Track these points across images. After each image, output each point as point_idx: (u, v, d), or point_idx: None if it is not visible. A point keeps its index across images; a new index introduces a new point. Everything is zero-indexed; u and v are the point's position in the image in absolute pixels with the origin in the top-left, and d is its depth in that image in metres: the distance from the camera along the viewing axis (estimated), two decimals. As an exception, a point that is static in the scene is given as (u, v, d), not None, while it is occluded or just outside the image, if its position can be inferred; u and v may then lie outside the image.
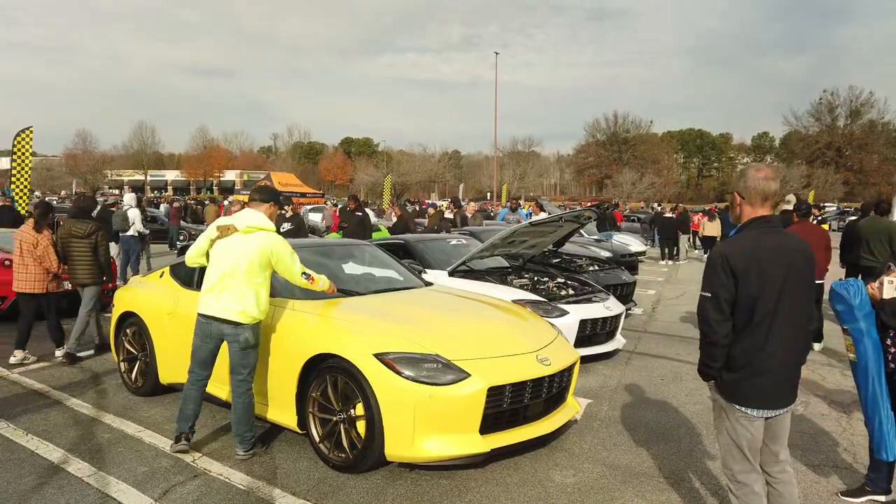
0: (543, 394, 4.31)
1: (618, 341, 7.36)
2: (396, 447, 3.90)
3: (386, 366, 3.93)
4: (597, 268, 9.65)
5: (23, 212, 19.72)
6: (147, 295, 5.72)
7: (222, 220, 4.44)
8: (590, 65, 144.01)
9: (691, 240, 24.45)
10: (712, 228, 19.15)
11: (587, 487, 3.97)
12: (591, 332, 6.89)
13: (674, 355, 7.47)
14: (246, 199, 9.40)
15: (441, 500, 3.78)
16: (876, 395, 3.47)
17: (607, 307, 7.19)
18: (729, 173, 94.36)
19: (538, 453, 4.45)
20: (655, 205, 39.08)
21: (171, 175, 77.75)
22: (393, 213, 13.20)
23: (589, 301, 7.26)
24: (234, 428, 4.36)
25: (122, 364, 5.84)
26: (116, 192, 53.00)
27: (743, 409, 2.86)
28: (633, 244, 16.38)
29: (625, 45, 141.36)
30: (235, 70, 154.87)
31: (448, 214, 14.69)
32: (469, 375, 3.93)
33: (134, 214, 12.08)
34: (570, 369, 4.60)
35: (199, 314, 4.35)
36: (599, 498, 3.85)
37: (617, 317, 7.28)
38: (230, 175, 67.13)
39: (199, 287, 5.33)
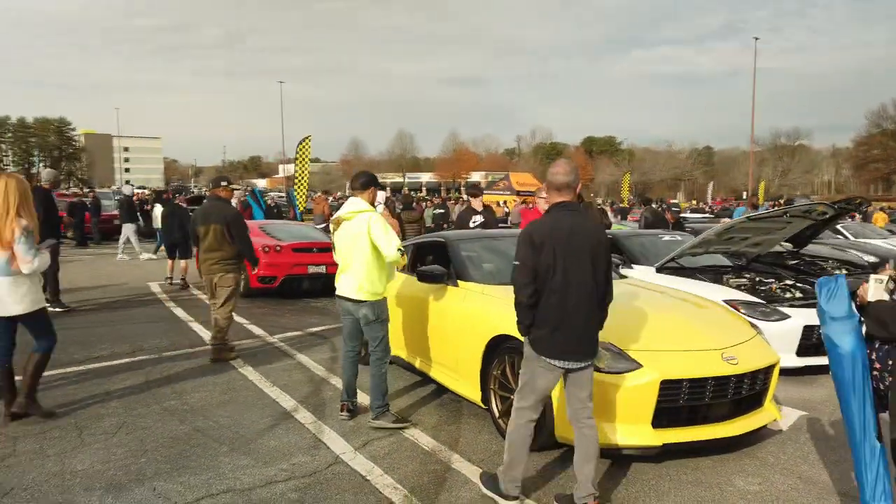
0: (729, 394, 4.08)
1: (857, 354, 6.48)
2: (565, 429, 3.99)
3: (558, 349, 4.07)
4: (846, 273, 8.54)
5: (301, 209, 23.14)
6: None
7: (335, 216, 4.98)
8: (877, 45, 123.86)
9: None
10: None
11: (771, 497, 3.69)
12: (819, 340, 6.18)
13: (933, 375, 6.34)
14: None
15: (608, 487, 3.82)
16: (853, 424, 2.60)
17: (843, 314, 6.37)
18: None
19: (725, 457, 4.21)
20: None
21: (426, 177, 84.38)
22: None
23: (821, 306, 6.52)
24: (369, 393, 4.83)
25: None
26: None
27: (547, 359, 3.41)
28: (912, 249, 13.96)
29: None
30: (485, 77, 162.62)
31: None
32: (641, 366, 3.91)
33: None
34: (765, 372, 4.27)
35: (336, 294, 4.93)
36: (784, 510, 3.57)
37: (856, 326, 6.42)
38: (476, 176, 70.78)
39: (412, 271, 5.99)
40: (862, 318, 2.68)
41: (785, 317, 6.09)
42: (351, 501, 3.61)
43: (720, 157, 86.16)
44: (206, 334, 7.67)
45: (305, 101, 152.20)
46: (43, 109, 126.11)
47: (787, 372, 6.09)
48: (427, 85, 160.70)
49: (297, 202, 22.97)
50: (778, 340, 6.00)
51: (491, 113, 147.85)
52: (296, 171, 24.22)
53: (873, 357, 2.63)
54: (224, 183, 6.98)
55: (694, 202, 51.35)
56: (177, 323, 8.46)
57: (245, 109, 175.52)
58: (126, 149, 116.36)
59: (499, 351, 4.53)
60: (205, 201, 7.45)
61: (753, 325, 4.86)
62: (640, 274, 6.87)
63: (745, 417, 4.21)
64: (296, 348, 7.13)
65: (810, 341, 6.12)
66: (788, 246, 8.98)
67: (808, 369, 6.14)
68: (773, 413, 4.42)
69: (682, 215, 18.06)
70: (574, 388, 3.52)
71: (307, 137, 25.32)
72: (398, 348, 5.83)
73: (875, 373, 2.62)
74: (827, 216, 7.01)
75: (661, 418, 3.95)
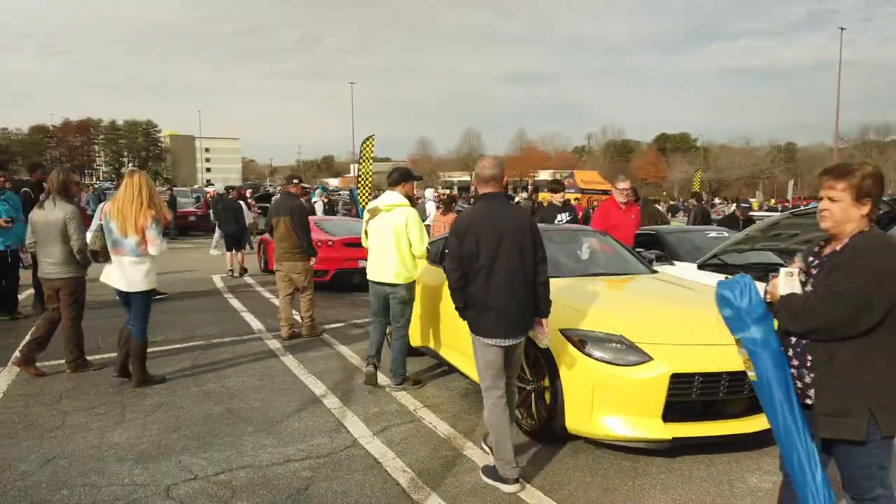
0: (746, 390, 3.99)
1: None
2: (575, 421, 4.04)
3: (570, 342, 4.10)
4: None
5: (364, 207, 23.68)
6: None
7: (371, 205, 5.47)
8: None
9: None
10: None
11: (783, 496, 3.59)
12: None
13: None
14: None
15: (614, 478, 3.82)
16: (788, 426, 2.42)
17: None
18: None
19: (743, 455, 4.12)
20: None
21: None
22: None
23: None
24: (391, 364, 5.51)
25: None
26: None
27: (481, 339, 3.71)
28: None
29: None
30: (554, 74, 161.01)
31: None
32: (651, 359, 3.88)
33: (430, 208, 13.77)
34: (786, 369, 4.14)
35: (368, 279, 5.46)
36: (792, 509, 3.47)
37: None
38: (543, 175, 70.06)
39: (441, 263, 6.10)
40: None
41: (829, 316, 5.84)
42: (359, 481, 3.75)
43: (804, 154, 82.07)
44: (256, 324, 8.04)
45: (376, 101, 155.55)
46: (131, 112, 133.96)
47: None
48: (495, 83, 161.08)
49: (360, 200, 23.50)
50: (821, 340, 5.80)
51: (560, 110, 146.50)
52: (359, 170, 24.78)
53: (790, 354, 2.51)
54: (295, 181, 7.88)
55: (772, 201, 49.28)
56: (231, 313, 8.88)
57: (318, 110, 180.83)
58: (207, 149, 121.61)
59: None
60: (277, 196, 8.25)
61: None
62: (680, 271, 6.73)
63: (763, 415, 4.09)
64: (337, 338, 7.36)
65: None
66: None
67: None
68: (797, 412, 4.27)
69: (751, 213, 17.47)
70: (504, 364, 3.82)
71: (370, 136, 25.74)
72: (427, 339, 5.95)
73: (793, 370, 2.50)
74: (882, 213, 6.62)
75: (673, 412, 3.91)
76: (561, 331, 4.16)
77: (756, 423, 4.03)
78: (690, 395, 3.90)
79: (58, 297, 5.73)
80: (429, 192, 14.51)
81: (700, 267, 6.98)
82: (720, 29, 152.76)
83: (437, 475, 3.85)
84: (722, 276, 6.61)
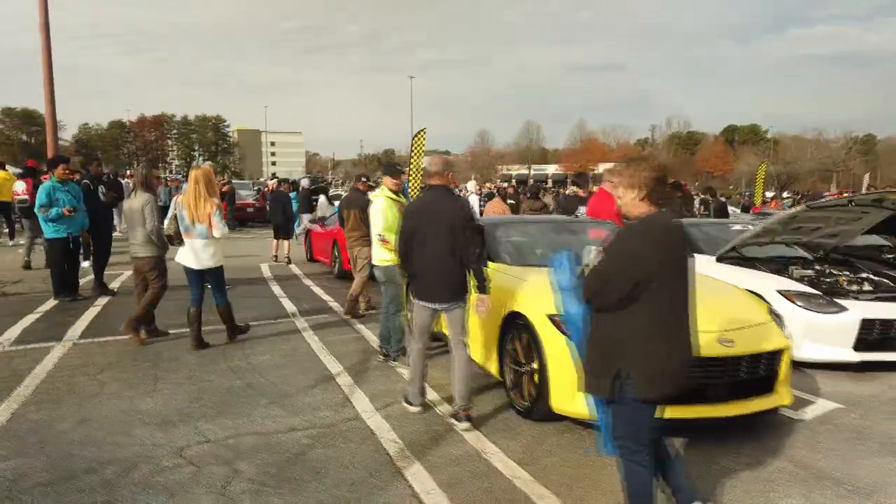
0: (725, 376, 4.10)
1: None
2: (559, 400, 4.25)
3: (555, 326, 4.30)
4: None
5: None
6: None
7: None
8: None
9: None
10: None
11: (752, 478, 3.73)
12: (882, 336, 5.83)
13: None
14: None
15: (592, 456, 4.00)
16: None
17: (917, 310, 5.94)
18: None
19: (728, 439, 4.22)
20: None
21: (552, 168, 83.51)
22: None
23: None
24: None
25: (409, 313, 7.23)
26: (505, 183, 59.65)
27: (416, 300, 4.60)
28: None
29: None
30: (620, 64, 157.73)
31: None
32: (630, 343, 4.03)
33: (473, 200, 14.02)
34: (769, 356, 4.23)
35: None
36: (758, 487, 3.61)
37: (933, 323, 5.95)
38: (603, 167, 69.09)
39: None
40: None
41: (842, 309, 5.80)
42: (353, 449, 4.08)
43: (884, 146, 77.66)
44: (291, 308, 8.52)
45: (437, 95, 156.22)
46: (202, 108, 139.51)
47: (844, 367, 5.82)
48: (559, 74, 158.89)
49: (410, 193, 23.93)
50: (834, 334, 5.80)
51: (624, 102, 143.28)
52: (411, 164, 25.21)
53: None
54: (364, 179, 9.04)
55: (845, 194, 47.09)
56: (271, 298, 9.40)
57: (380, 105, 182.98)
58: (272, 143, 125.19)
59: (512, 327, 4.81)
60: (349, 191, 9.60)
61: (774, 314, 4.77)
62: (697, 264, 6.75)
63: (747, 400, 4.20)
64: (363, 323, 7.73)
65: (871, 336, 5.78)
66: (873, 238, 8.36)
67: (870, 366, 5.81)
68: (782, 398, 4.35)
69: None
70: (449, 325, 4.61)
71: (422, 130, 26.19)
72: (441, 325, 6.21)
73: None
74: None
75: (652, 396, 4.05)
76: (549, 316, 4.37)
77: (737, 408, 4.15)
78: (668, 380, 4.04)
79: (143, 275, 6.65)
80: (471, 185, 14.84)
81: (719, 260, 7.00)
82: (796, 14, 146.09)
83: (426, 446, 4.14)
84: (737, 269, 6.62)
